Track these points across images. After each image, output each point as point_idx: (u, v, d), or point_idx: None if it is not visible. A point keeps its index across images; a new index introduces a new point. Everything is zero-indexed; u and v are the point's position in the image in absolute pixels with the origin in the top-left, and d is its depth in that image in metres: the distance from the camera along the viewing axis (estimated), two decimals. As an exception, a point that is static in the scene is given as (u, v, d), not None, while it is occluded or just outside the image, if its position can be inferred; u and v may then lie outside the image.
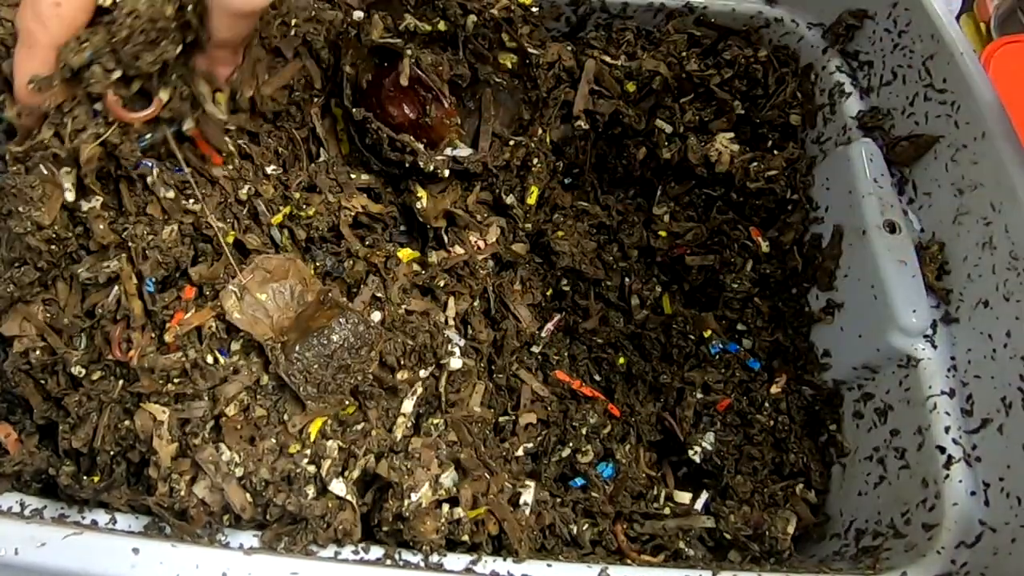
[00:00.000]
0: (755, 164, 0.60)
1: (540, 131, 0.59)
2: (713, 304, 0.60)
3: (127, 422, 0.44)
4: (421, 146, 0.53)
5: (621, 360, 0.58)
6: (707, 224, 0.61)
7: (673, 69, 0.63)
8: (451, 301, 0.53)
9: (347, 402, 0.45)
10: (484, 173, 0.56)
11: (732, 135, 0.62)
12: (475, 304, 0.55)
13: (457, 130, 0.56)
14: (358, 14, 0.54)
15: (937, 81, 0.54)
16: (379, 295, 0.50)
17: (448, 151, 0.54)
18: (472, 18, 0.56)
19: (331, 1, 0.56)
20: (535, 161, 0.59)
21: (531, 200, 0.59)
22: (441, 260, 0.54)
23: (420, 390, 0.49)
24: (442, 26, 0.55)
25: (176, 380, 0.44)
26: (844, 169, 0.56)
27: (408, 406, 0.48)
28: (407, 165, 0.53)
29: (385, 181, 0.56)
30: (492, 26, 0.56)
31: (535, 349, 0.57)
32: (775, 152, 0.61)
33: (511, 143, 0.57)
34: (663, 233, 0.62)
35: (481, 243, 0.56)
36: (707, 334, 0.58)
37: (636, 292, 0.61)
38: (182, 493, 0.41)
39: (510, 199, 0.58)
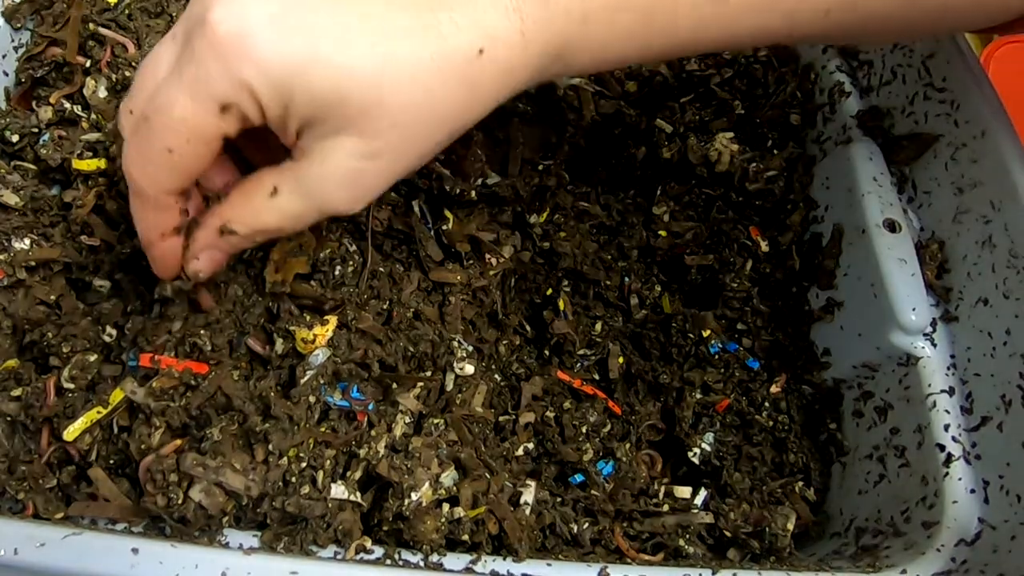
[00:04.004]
0: (755, 164, 0.60)
1: (566, 148, 0.59)
2: (713, 303, 0.60)
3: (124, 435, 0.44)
4: (447, 171, 0.53)
5: (620, 359, 0.58)
6: (707, 224, 0.61)
7: (673, 69, 0.63)
8: (460, 309, 0.53)
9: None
10: (512, 196, 0.56)
11: (732, 135, 0.62)
12: (483, 310, 0.55)
13: (483, 168, 0.56)
14: None
15: (937, 80, 0.54)
16: (391, 298, 0.50)
17: (479, 182, 0.54)
18: None
19: None
20: (554, 182, 0.59)
21: (543, 217, 0.59)
22: (460, 276, 0.54)
23: (423, 392, 0.49)
24: None
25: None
26: (844, 168, 0.56)
27: (412, 407, 0.48)
28: (435, 192, 0.53)
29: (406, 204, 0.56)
30: None
31: (535, 349, 0.57)
32: (775, 152, 0.61)
33: (539, 167, 0.57)
34: (663, 233, 0.62)
35: (495, 260, 0.56)
36: (706, 333, 0.58)
37: (636, 292, 0.61)
38: (179, 501, 0.41)
39: (532, 219, 0.58)
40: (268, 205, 0.37)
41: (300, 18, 0.33)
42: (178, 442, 0.42)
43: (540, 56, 0.36)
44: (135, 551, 0.39)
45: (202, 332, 0.45)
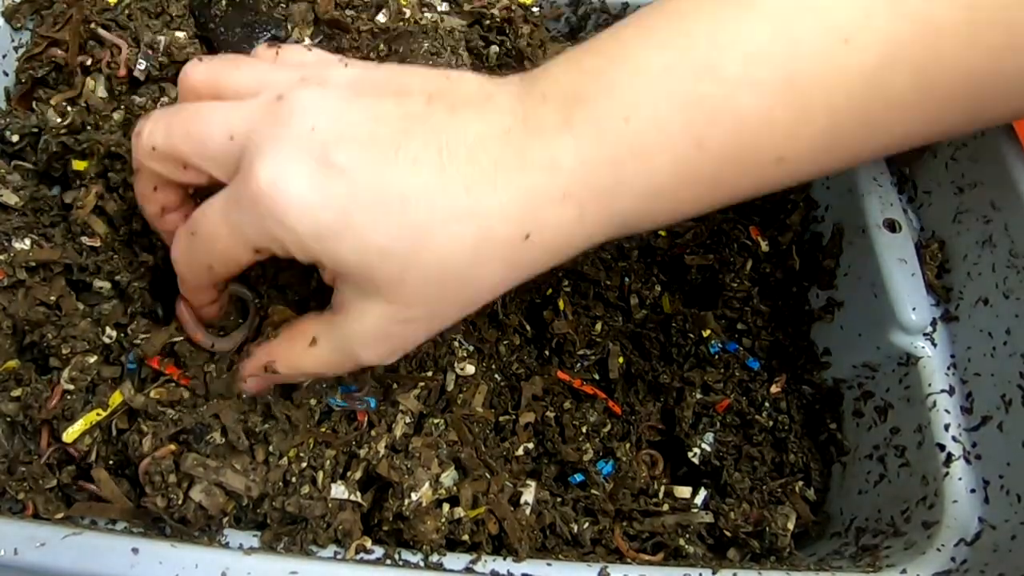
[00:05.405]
0: (755, 163, 0.60)
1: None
2: (713, 303, 0.60)
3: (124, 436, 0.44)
4: None
5: (620, 359, 0.58)
6: (707, 224, 0.61)
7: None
8: None
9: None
10: None
11: (732, 134, 0.62)
12: (483, 309, 0.55)
13: None
14: None
15: (936, 79, 0.54)
16: None
17: None
18: (494, 49, 0.56)
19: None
20: None
21: None
22: None
23: (423, 392, 0.49)
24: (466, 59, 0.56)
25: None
26: (844, 168, 0.56)
27: (412, 407, 0.48)
28: None
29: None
30: (515, 55, 0.57)
31: (535, 349, 0.57)
32: (775, 151, 0.61)
33: None
34: (663, 233, 0.62)
35: None
36: (706, 333, 0.58)
37: (635, 292, 0.61)
38: (179, 502, 0.41)
39: None
40: (308, 353, 0.40)
41: (340, 180, 0.32)
42: (173, 447, 0.42)
43: (602, 227, 0.35)
44: (135, 551, 0.39)
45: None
